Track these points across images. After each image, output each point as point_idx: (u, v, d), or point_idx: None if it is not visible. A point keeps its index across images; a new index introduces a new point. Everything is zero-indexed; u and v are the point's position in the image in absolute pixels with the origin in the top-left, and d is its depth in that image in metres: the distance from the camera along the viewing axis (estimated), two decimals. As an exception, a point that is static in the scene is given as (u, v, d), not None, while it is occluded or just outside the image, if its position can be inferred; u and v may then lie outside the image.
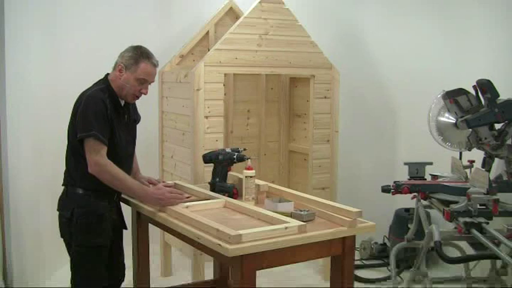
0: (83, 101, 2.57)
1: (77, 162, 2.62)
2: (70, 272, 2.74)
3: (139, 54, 2.67)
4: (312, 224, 2.35)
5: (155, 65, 2.71)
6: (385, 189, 3.12)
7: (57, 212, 2.70)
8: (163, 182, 2.99)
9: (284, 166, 4.55)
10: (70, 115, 2.71)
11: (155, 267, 3.98)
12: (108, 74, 2.78)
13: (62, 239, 2.78)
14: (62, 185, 2.73)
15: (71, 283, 2.74)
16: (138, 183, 2.70)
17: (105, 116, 2.56)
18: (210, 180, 3.01)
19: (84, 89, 2.77)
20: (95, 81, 2.81)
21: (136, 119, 2.89)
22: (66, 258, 4.18)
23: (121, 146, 2.68)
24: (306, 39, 3.78)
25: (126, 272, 2.94)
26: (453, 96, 3.10)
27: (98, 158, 2.51)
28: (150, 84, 2.74)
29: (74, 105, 2.67)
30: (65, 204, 2.64)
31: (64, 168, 2.77)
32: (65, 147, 2.76)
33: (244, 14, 3.66)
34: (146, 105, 3.58)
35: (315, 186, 3.90)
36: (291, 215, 2.39)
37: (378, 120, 4.77)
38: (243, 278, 2.08)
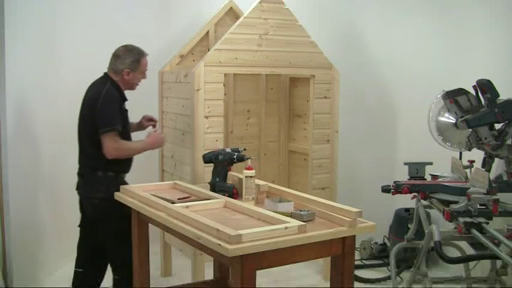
0: (100, 98, 2.97)
1: (99, 151, 3.00)
2: (110, 251, 3.14)
3: (136, 54, 3.14)
4: (312, 224, 2.35)
5: (147, 54, 3.21)
6: (385, 189, 3.12)
7: (84, 198, 3.14)
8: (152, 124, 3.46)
9: (284, 166, 4.55)
10: (80, 110, 3.12)
11: (155, 267, 3.98)
12: (106, 73, 3.17)
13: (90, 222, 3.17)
14: (80, 173, 3.13)
15: (116, 258, 3.13)
16: (141, 142, 3.19)
17: (120, 109, 3.05)
18: (210, 180, 3.01)
19: (85, 87, 3.14)
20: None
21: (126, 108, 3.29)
22: (66, 258, 4.19)
23: (128, 129, 3.21)
24: (306, 39, 3.78)
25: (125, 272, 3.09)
26: (453, 96, 3.10)
27: (116, 145, 2.99)
28: None
29: (87, 101, 3.08)
30: (94, 187, 3.04)
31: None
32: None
33: (244, 14, 3.66)
34: (146, 105, 3.60)
35: (315, 186, 3.90)
36: (291, 215, 2.39)
37: (378, 120, 4.77)
38: (243, 278, 2.08)
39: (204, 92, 3.42)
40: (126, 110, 3.20)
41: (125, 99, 3.19)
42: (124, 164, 3.16)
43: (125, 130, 3.10)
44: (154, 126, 3.46)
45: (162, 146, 3.32)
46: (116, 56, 3.16)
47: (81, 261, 3.29)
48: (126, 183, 3.14)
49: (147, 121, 3.48)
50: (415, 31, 4.44)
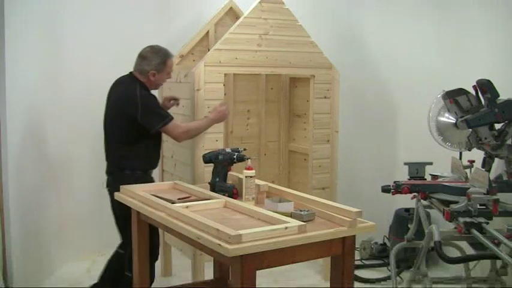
0: (138, 101, 3.05)
1: (130, 150, 3.12)
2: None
3: (163, 57, 3.19)
4: (312, 224, 2.35)
5: (173, 55, 3.31)
6: (385, 189, 3.12)
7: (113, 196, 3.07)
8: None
9: (284, 166, 4.55)
10: (107, 110, 3.21)
11: (155, 267, 3.98)
12: (132, 72, 3.22)
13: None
14: (109, 171, 3.20)
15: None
16: (206, 119, 3.28)
17: (159, 103, 3.21)
18: (210, 180, 3.01)
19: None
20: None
21: None
22: (66, 258, 4.20)
23: None
24: (306, 39, 3.78)
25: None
26: (453, 96, 3.10)
27: (181, 129, 3.15)
28: None
29: (116, 101, 3.14)
30: (120, 184, 2.99)
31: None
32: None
33: (244, 14, 3.66)
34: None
35: (315, 186, 3.90)
36: (291, 215, 2.39)
37: (377, 120, 4.77)
38: (243, 278, 2.08)
39: (204, 92, 3.42)
40: None
41: None
42: (151, 162, 3.25)
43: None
44: (177, 104, 3.51)
45: (226, 119, 3.39)
46: (142, 57, 3.19)
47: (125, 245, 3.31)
48: (153, 180, 3.25)
49: (169, 101, 3.51)
50: (415, 31, 4.44)
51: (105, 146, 3.23)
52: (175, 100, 3.52)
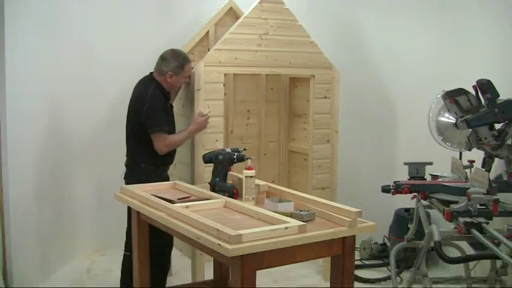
0: (147, 100, 3.20)
1: (144, 146, 3.25)
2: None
3: (182, 61, 3.32)
4: (312, 224, 2.35)
5: (192, 61, 3.44)
6: (385, 189, 3.12)
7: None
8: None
9: (284, 166, 4.55)
10: (128, 107, 3.36)
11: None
12: (152, 73, 3.36)
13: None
14: (127, 164, 3.36)
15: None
16: (186, 132, 3.36)
17: (164, 109, 3.29)
18: (210, 180, 3.01)
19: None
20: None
21: (172, 103, 3.51)
22: (66, 258, 4.19)
23: (173, 125, 3.42)
24: (306, 39, 3.78)
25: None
26: (453, 96, 3.10)
27: (165, 142, 3.24)
28: None
29: (133, 100, 3.31)
30: (137, 178, 3.18)
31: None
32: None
33: (244, 14, 3.66)
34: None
35: (315, 186, 3.90)
36: (291, 215, 2.39)
37: (378, 120, 4.77)
38: (243, 278, 2.08)
39: (204, 92, 3.42)
40: (172, 106, 3.47)
41: (168, 99, 3.39)
42: (165, 158, 3.35)
43: (171, 127, 3.35)
44: (188, 83, 3.53)
45: (205, 128, 3.44)
46: (163, 58, 3.33)
47: (129, 246, 3.33)
48: (167, 176, 3.38)
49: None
50: (415, 31, 4.44)
51: (126, 142, 3.39)
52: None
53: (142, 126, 3.24)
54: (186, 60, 3.36)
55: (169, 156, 3.40)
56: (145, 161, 3.30)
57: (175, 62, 3.31)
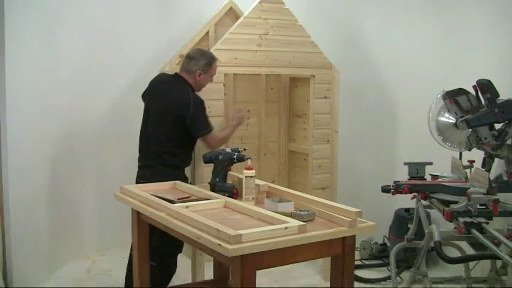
0: (191, 106, 3.20)
1: (174, 147, 3.26)
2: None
3: (210, 59, 3.31)
4: (312, 224, 2.35)
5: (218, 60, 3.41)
6: (385, 189, 3.12)
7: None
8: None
9: (284, 166, 4.55)
10: (153, 110, 3.32)
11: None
12: (177, 73, 3.36)
13: None
14: (143, 165, 3.29)
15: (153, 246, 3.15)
16: (230, 127, 3.48)
17: (205, 109, 3.31)
18: (210, 180, 3.01)
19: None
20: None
21: None
22: (66, 258, 4.19)
23: None
24: (306, 39, 3.78)
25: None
26: (453, 96, 3.10)
27: (216, 139, 3.31)
28: None
29: (169, 103, 3.25)
30: (156, 178, 3.11)
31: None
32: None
33: (244, 14, 3.66)
34: (146, 105, 3.59)
35: (315, 186, 3.90)
36: (291, 215, 2.39)
37: (378, 120, 4.77)
38: (243, 278, 2.08)
39: (204, 92, 3.42)
40: None
41: None
42: (188, 160, 3.37)
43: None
44: None
45: (243, 122, 3.64)
46: (190, 57, 3.33)
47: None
48: (185, 177, 3.33)
49: None
50: (415, 31, 4.44)
51: (144, 141, 3.33)
52: None
53: (177, 127, 3.23)
54: (213, 58, 3.35)
55: (191, 157, 3.41)
56: (174, 162, 3.27)
57: (204, 60, 3.30)
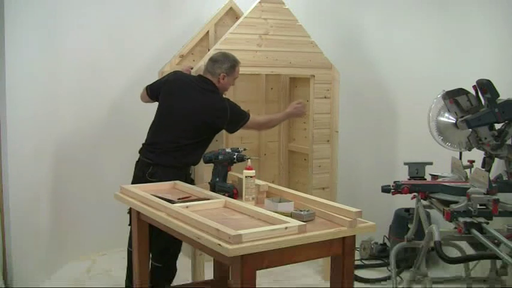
0: (228, 114, 3.27)
1: (193, 149, 3.28)
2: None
3: (233, 62, 3.36)
4: (312, 224, 2.35)
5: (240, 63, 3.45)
6: (385, 189, 3.12)
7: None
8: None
9: (284, 166, 4.55)
10: (181, 111, 3.27)
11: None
12: (201, 75, 3.37)
13: None
14: (158, 163, 3.23)
15: (157, 246, 3.23)
16: (282, 113, 3.71)
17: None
18: (210, 180, 3.01)
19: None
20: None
21: None
22: (66, 258, 4.19)
23: None
24: (306, 39, 3.78)
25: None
26: (453, 96, 3.10)
27: (258, 122, 3.57)
28: None
29: (203, 112, 3.25)
30: (165, 176, 3.15)
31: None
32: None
33: (244, 14, 3.66)
34: (147, 105, 3.59)
35: (315, 186, 3.90)
36: (291, 215, 2.39)
37: (378, 120, 4.77)
38: (243, 278, 2.08)
39: (204, 92, 3.41)
40: None
41: None
42: (191, 159, 3.33)
43: None
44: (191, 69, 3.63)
45: (301, 116, 3.77)
46: (214, 60, 3.33)
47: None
48: (190, 176, 3.37)
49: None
50: (415, 31, 4.44)
51: (158, 138, 3.29)
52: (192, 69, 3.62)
53: (202, 131, 3.25)
54: (237, 61, 3.38)
55: (194, 156, 3.34)
56: (172, 160, 3.25)
57: (228, 63, 3.33)
